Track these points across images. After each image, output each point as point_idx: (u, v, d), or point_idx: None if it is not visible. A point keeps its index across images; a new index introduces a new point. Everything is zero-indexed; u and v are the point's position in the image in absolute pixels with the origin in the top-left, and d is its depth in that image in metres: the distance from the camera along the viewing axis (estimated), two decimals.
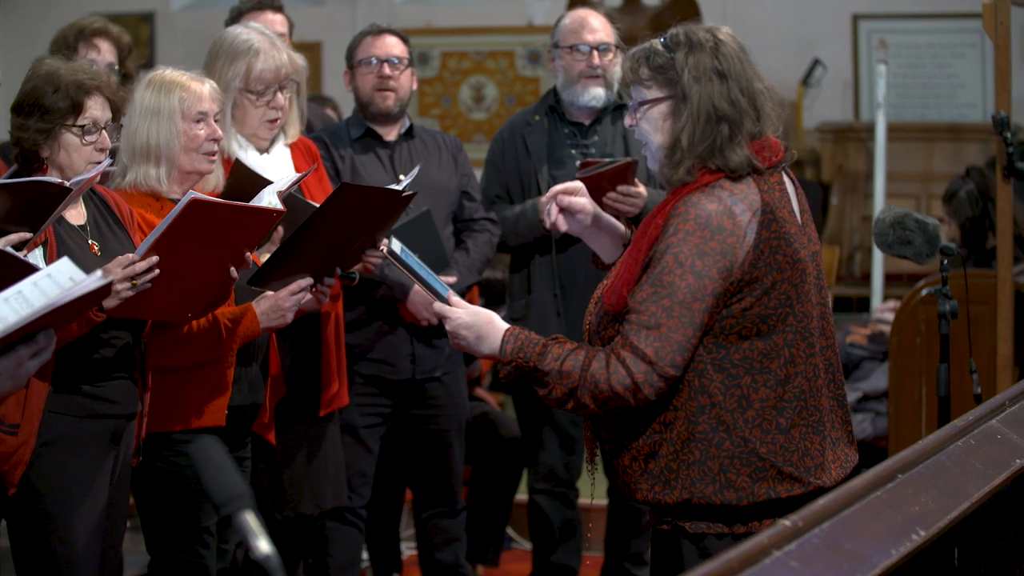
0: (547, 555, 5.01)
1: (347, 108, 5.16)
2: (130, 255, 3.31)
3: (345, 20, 9.59)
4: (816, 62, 9.20)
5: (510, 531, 5.85)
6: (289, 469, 4.32)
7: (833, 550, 2.12)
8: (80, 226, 3.50)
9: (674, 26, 2.99)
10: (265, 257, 3.77)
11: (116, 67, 4.99)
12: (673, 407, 2.89)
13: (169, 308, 3.50)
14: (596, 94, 4.79)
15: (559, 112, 4.88)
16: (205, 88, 3.78)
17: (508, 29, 9.81)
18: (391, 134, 4.75)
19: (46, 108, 3.42)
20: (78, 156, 3.45)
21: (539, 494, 4.98)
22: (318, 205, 3.72)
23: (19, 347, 2.62)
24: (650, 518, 3.05)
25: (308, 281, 3.77)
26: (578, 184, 3.33)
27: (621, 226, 3.32)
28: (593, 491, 3.28)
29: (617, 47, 4.79)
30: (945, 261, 4.11)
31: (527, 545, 5.60)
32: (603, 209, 4.58)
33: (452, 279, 4.54)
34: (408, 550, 5.66)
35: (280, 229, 3.86)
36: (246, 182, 3.85)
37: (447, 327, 3.05)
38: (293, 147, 4.35)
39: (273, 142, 4.28)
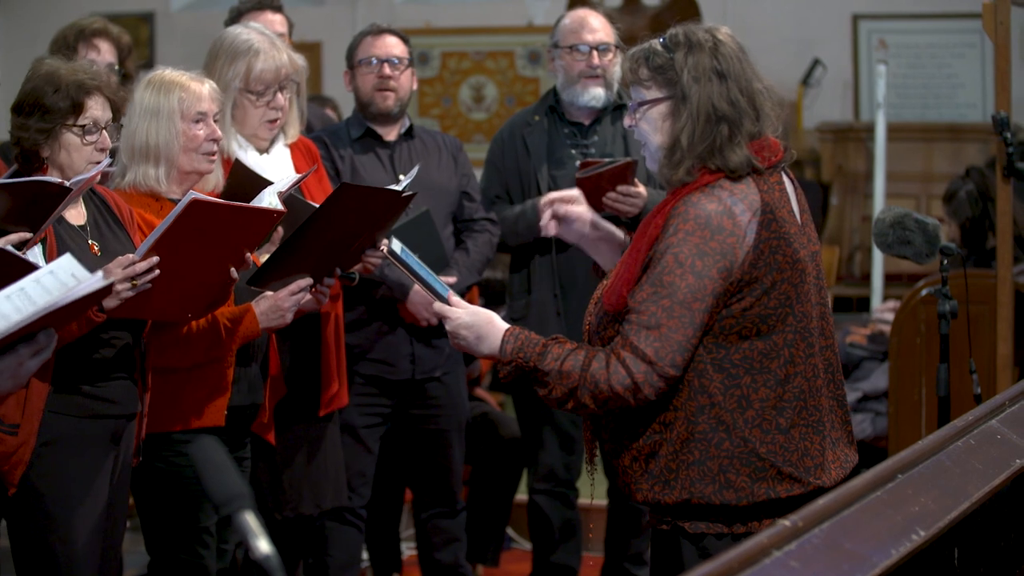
0: (547, 555, 5.01)
1: (347, 108, 5.16)
2: (130, 255, 3.31)
3: (345, 20, 9.59)
4: (816, 62, 9.20)
5: (510, 531, 5.85)
6: (289, 469, 4.32)
7: (833, 550, 2.12)
8: (80, 226, 3.50)
9: (673, 26, 2.99)
10: (265, 257, 3.77)
11: (116, 67, 4.99)
12: (673, 407, 2.89)
13: (169, 308, 3.50)
14: (596, 94, 4.79)
15: (559, 112, 4.88)
16: (204, 88, 3.78)
17: (508, 29, 9.81)
18: (391, 134, 4.75)
19: (47, 108, 3.42)
20: (78, 156, 3.45)
21: (539, 494, 4.98)
22: (318, 205, 3.72)
23: (19, 346, 2.62)
24: (650, 518, 3.05)
25: (308, 281, 3.77)
26: (575, 192, 3.33)
27: (620, 233, 3.32)
28: (593, 491, 3.28)
29: (617, 47, 4.79)
30: (945, 261, 4.11)
31: (527, 545, 5.60)
32: (603, 209, 4.63)
33: (452, 279, 4.54)
34: (408, 550, 5.66)
35: (280, 229, 3.85)
36: (246, 182, 3.85)
37: (447, 327, 3.05)
38: (293, 147, 4.35)
39: (273, 142, 4.28)
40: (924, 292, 5.20)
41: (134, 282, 3.29)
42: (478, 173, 4.95)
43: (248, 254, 3.54)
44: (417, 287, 4.40)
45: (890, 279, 7.89)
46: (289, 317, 3.77)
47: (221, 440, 3.02)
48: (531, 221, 4.72)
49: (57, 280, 2.61)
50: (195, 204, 3.29)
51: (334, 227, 3.71)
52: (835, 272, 8.39)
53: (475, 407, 5.51)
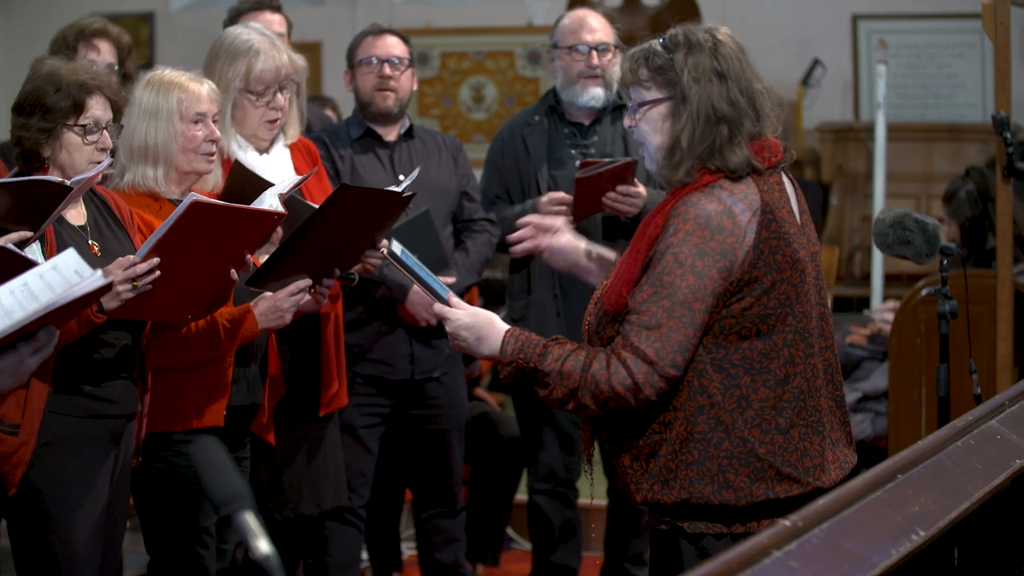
0: (547, 555, 5.01)
1: (347, 108, 5.16)
2: (131, 256, 3.31)
3: (345, 20, 9.59)
4: (816, 62, 9.20)
5: (510, 531, 5.85)
6: (289, 469, 4.32)
7: (833, 550, 2.12)
8: (80, 226, 3.50)
9: (673, 26, 2.99)
10: (264, 258, 3.76)
11: (116, 67, 4.99)
12: (672, 407, 2.89)
13: (169, 309, 3.50)
14: (595, 94, 4.78)
15: (559, 112, 4.88)
16: (204, 89, 3.78)
17: (508, 29, 9.80)
18: (391, 134, 4.75)
19: (48, 108, 3.43)
20: (79, 156, 3.45)
21: (539, 494, 4.98)
22: (318, 207, 3.72)
23: (20, 344, 2.62)
24: (649, 518, 3.05)
25: (307, 282, 3.77)
26: (557, 222, 3.32)
27: (611, 254, 3.31)
28: (592, 491, 3.28)
29: (616, 47, 4.79)
30: (945, 261, 4.11)
31: (527, 545, 5.60)
32: (603, 209, 4.63)
33: (451, 279, 4.54)
34: (408, 550, 5.66)
35: (279, 230, 3.85)
36: (245, 183, 3.85)
37: (447, 328, 3.05)
38: (293, 147, 4.35)
39: (273, 142, 4.28)
40: (924, 292, 5.20)
41: (135, 283, 3.29)
42: (478, 173, 4.95)
43: (248, 255, 3.54)
44: (417, 288, 4.40)
45: (890, 279, 7.89)
46: (288, 318, 3.77)
47: (220, 440, 3.02)
48: None
49: (60, 275, 2.61)
50: (196, 206, 3.29)
51: (333, 228, 3.70)
52: (835, 272, 8.39)
53: (475, 407, 5.51)
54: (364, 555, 5.30)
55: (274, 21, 4.93)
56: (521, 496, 5.49)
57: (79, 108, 3.44)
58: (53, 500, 3.43)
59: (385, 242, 3.89)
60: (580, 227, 4.72)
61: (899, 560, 2.19)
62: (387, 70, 4.68)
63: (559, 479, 4.95)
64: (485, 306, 3.34)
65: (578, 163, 4.65)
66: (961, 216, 5.70)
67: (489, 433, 5.55)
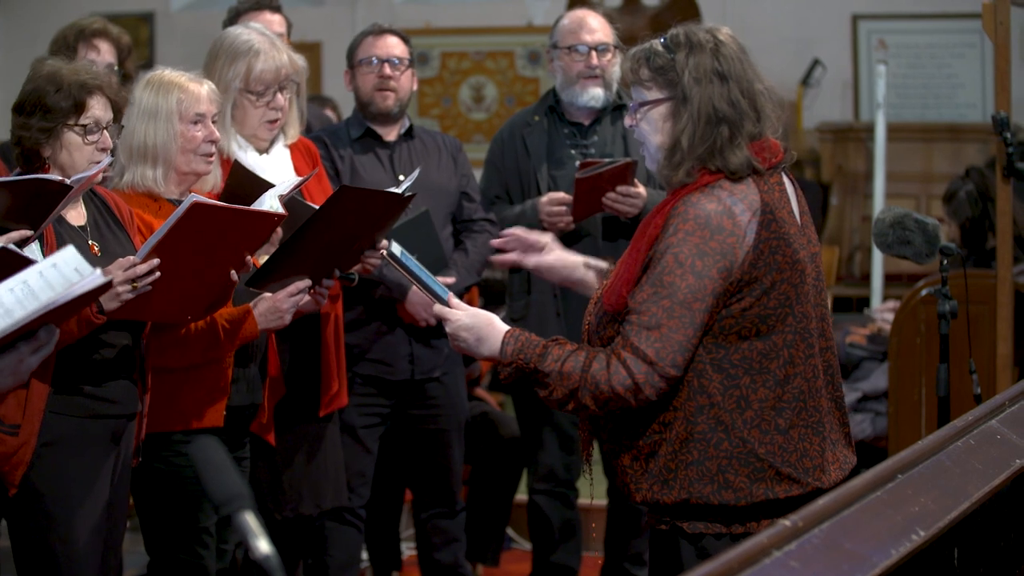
0: (547, 555, 5.01)
1: (347, 108, 5.16)
2: (131, 257, 3.32)
3: (345, 20, 9.59)
4: (816, 62, 9.20)
5: (510, 531, 5.85)
6: (289, 469, 4.32)
7: (833, 550, 2.12)
8: (80, 227, 3.50)
9: (674, 26, 2.99)
10: (263, 259, 3.76)
11: (116, 68, 4.99)
12: (672, 407, 2.89)
13: (169, 310, 3.50)
14: (595, 94, 4.78)
15: (559, 112, 4.88)
16: (203, 89, 3.77)
17: (508, 29, 9.80)
18: (391, 134, 4.75)
19: (48, 107, 3.43)
20: (80, 155, 3.45)
21: (539, 494, 4.98)
22: (318, 207, 3.72)
23: (20, 343, 2.62)
24: (648, 518, 3.04)
25: (306, 283, 3.77)
26: (543, 238, 3.32)
27: (605, 264, 3.30)
28: (592, 491, 3.28)
29: (616, 47, 4.79)
30: (945, 261, 4.11)
31: (527, 545, 5.60)
32: (602, 209, 4.63)
33: (451, 280, 4.54)
34: (408, 550, 5.66)
35: (279, 230, 3.85)
36: (245, 183, 3.85)
37: (447, 329, 3.05)
38: (293, 148, 4.35)
39: (273, 143, 4.28)
40: (924, 292, 5.20)
41: (134, 284, 3.29)
42: (478, 173, 4.95)
43: (248, 256, 3.54)
44: (416, 289, 4.40)
45: (890, 279, 7.90)
46: (288, 318, 3.77)
47: (220, 440, 3.02)
48: (531, 221, 4.71)
49: (60, 273, 2.61)
50: (196, 207, 3.29)
51: (333, 229, 3.70)
52: (835, 272, 8.39)
53: (475, 407, 5.51)
54: (364, 555, 5.30)
55: (273, 21, 4.92)
56: (521, 496, 5.49)
57: (80, 108, 3.44)
58: (53, 500, 3.43)
59: (385, 242, 3.89)
60: (580, 227, 4.73)
61: (899, 560, 2.19)
62: (387, 70, 4.68)
63: (559, 479, 4.95)
64: (485, 306, 3.34)
65: (578, 163, 4.65)
66: (961, 216, 5.70)
67: (489, 433, 5.55)
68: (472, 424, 5.20)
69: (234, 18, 4.89)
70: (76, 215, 3.52)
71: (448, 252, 4.70)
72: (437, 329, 4.60)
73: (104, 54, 5.01)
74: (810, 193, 7.74)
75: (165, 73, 3.79)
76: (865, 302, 7.81)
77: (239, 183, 3.86)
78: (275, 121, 4.22)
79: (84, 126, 3.45)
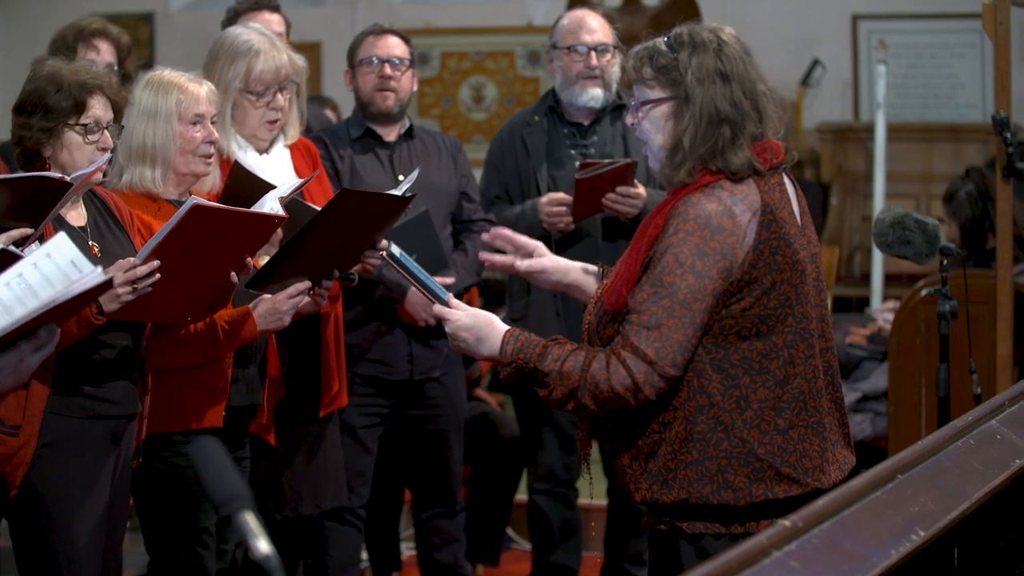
0: (547, 555, 5.01)
1: (347, 108, 5.16)
2: (131, 259, 3.31)
3: (345, 20, 9.59)
4: (816, 62, 9.20)
5: (510, 531, 5.85)
6: (289, 470, 4.32)
7: (833, 550, 2.12)
8: (80, 227, 3.50)
9: (677, 26, 2.99)
10: (263, 260, 3.76)
11: (115, 68, 4.99)
12: (672, 407, 2.89)
13: (169, 311, 3.50)
14: (594, 95, 4.78)
15: (558, 112, 4.88)
16: (202, 90, 3.77)
17: (508, 29, 9.80)
18: (391, 134, 4.75)
19: (49, 107, 3.43)
20: (80, 155, 3.45)
21: (539, 494, 4.98)
22: (318, 209, 3.72)
23: (20, 343, 2.62)
24: (648, 518, 3.04)
25: (306, 284, 3.77)
26: (532, 243, 3.30)
27: (595, 268, 3.28)
28: (592, 490, 3.28)
29: (615, 47, 4.79)
30: (945, 261, 4.11)
31: (527, 545, 5.60)
32: (602, 210, 4.63)
33: (450, 280, 4.54)
34: (407, 550, 5.66)
35: (279, 232, 3.85)
36: (244, 184, 3.85)
37: (447, 329, 3.05)
38: (293, 148, 4.34)
39: (272, 143, 4.28)
40: (924, 292, 5.20)
41: (135, 286, 3.29)
42: (478, 173, 4.95)
43: (248, 258, 3.54)
44: (415, 289, 4.40)
45: (890, 279, 7.90)
46: (287, 320, 3.77)
47: (220, 441, 3.02)
48: (531, 221, 4.72)
49: (55, 264, 2.59)
50: (197, 209, 3.29)
51: (333, 231, 3.70)
52: (835, 272, 8.39)
53: (475, 407, 5.51)
54: (364, 555, 5.30)
55: (272, 21, 4.92)
56: (521, 496, 5.49)
57: (80, 108, 3.44)
58: (54, 501, 3.43)
59: (385, 243, 3.89)
60: (580, 227, 4.73)
61: (899, 560, 2.19)
62: (388, 70, 4.68)
63: (559, 479, 4.95)
64: (485, 306, 3.34)
65: (578, 164, 4.65)
66: (961, 216, 5.70)
67: (489, 433, 5.55)
68: (472, 424, 5.20)
69: (233, 18, 4.89)
70: (76, 216, 3.52)
71: (448, 252, 4.70)
72: (436, 329, 4.60)
73: (104, 54, 5.01)
74: (810, 193, 7.75)
75: (165, 73, 3.78)
76: (865, 302, 7.81)
77: (239, 183, 3.86)
78: (275, 121, 4.22)
79: (85, 126, 3.45)
